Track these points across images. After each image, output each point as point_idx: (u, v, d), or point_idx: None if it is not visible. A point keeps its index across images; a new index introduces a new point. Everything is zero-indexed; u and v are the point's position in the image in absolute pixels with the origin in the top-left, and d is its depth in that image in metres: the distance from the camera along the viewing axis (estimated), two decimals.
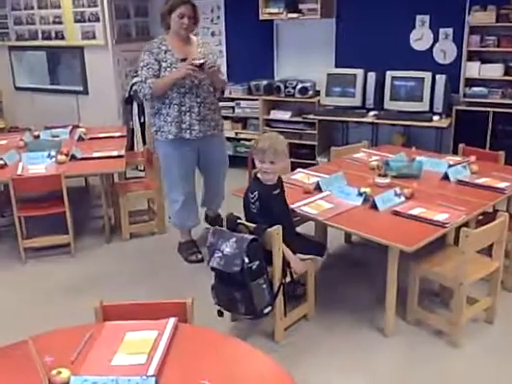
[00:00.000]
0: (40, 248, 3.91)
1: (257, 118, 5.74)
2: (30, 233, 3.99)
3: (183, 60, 3.43)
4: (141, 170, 5.53)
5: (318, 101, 5.39)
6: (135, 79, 5.87)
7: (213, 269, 2.65)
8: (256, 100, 5.66)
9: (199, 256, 3.81)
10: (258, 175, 2.75)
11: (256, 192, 2.69)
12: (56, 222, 3.95)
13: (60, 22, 6.09)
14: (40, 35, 6.28)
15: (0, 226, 4.49)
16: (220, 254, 2.59)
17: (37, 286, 3.50)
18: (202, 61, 3.33)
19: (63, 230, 3.85)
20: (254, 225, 2.65)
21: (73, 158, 4.04)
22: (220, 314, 2.72)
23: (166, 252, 3.93)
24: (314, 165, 4.53)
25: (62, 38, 6.13)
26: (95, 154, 4.13)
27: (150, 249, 4.03)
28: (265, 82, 5.65)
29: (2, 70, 6.76)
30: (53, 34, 6.19)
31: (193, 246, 3.88)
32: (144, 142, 5.67)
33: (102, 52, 5.92)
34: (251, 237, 2.55)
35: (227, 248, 2.57)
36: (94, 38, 5.92)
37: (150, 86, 3.41)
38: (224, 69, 5.63)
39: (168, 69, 3.44)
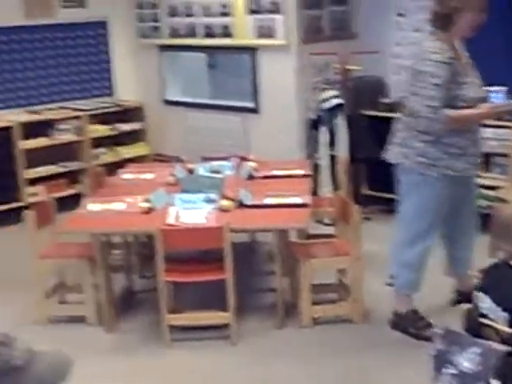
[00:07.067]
0: (188, 327, 4.19)
1: (504, 155, 5.56)
2: (176, 305, 4.27)
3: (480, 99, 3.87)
4: (327, 224, 5.63)
5: None
6: (324, 94, 6.02)
7: None
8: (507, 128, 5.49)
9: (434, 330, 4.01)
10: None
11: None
12: (210, 292, 4.21)
13: (227, 14, 6.56)
14: (200, 31, 6.84)
15: (139, 290, 4.92)
16: (454, 371, 2.55)
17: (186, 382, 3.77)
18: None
19: (221, 305, 4.09)
20: (510, 329, 2.60)
21: (240, 204, 4.33)
22: None
23: (370, 352, 3.92)
24: None
25: (229, 35, 6.62)
26: (267, 201, 4.37)
27: (344, 344, 4.05)
28: None
29: (148, 76, 7.48)
30: (217, 30, 6.70)
31: (420, 318, 4.08)
32: (335, 186, 5.72)
33: (281, 55, 6.25)
34: (503, 348, 2.49)
35: (466, 362, 2.52)
36: (271, 35, 6.28)
37: (444, 120, 3.75)
38: None
39: (464, 86, 3.83)
